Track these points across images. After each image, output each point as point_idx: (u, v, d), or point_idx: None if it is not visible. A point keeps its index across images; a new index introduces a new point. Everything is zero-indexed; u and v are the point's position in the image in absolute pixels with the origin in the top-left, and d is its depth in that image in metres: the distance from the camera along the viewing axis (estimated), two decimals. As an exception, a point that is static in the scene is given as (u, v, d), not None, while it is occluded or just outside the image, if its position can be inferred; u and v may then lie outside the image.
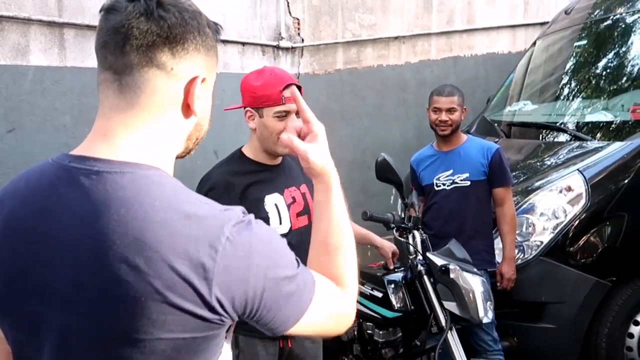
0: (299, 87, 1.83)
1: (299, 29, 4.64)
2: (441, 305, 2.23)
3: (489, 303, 2.22)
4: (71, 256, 0.75)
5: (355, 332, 2.51)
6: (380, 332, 2.43)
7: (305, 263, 0.89)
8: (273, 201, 1.83)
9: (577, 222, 2.78)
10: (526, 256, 2.79)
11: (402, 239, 2.41)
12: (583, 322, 2.74)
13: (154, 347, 0.74)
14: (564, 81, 3.88)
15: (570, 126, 3.46)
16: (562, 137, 3.43)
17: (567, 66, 3.93)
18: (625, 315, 2.80)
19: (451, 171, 2.72)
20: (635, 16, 3.57)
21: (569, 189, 2.85)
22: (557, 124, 3.50)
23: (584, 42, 3.92)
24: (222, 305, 0.74)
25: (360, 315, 2.44)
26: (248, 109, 1.84)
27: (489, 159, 2.67)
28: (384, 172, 2.40)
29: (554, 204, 2.84)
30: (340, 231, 0.95)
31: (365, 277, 2.52)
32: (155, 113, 0.81)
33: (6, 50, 3.31)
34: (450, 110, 2.68)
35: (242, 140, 1.94)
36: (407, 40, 5.13)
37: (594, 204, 2.80)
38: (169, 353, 0.75)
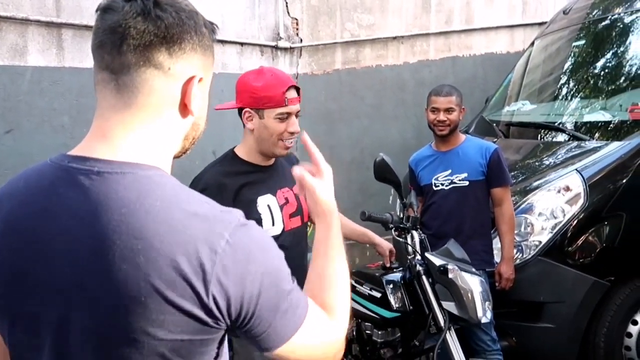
0: (298, 89, 1.83)
1: (297, 29, 4.63)
2: (440, 305, 2.23)
3: (487, 303, 2.22)
4: (71, 256, 0.75)
5: (354, 332, 2.51)
6: (379, 332, 2.42)
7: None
8: (266, 202, 1.80)
9: (575, 221, 2.78)
10: (525, 256, 2.79)
11: (401, 239, 2.40)
12: (581, 321, 2.74)
13: (153, 348, 0.75)
14: (562, 81, 3.88)
15: (569, 126, 3.46)
16: (561, 137, 3.43)
17: (566, 66, 3.93)
18: (624, 314, 2.80)
19: (449, 171, 2.72)
20: (633, 16, 3.58)
21: (567, 188, 2.85)
22: (556, 124, 3.50)
23: (582, 42, 3.92)
24: (218, 307, 0.75)
25: (358, 315, 2.44)
26: (247, 109, 1.81)
27: (488, 159, 2.67)
28: (383, 172, 2.40)
29: (553, 204, 2.84)
30: (335, 268, 0.98)
31: (364, 277, 2.52)
32: (153, 113, 0.81)
33: (4, 51, 3.31)
34: (448, 110, 2.67)
35: (240, 141, 1.92)
36: (405, 40, 5.13)
37: (592, 204, 2.80)
38: (167, 355, 0.76)
